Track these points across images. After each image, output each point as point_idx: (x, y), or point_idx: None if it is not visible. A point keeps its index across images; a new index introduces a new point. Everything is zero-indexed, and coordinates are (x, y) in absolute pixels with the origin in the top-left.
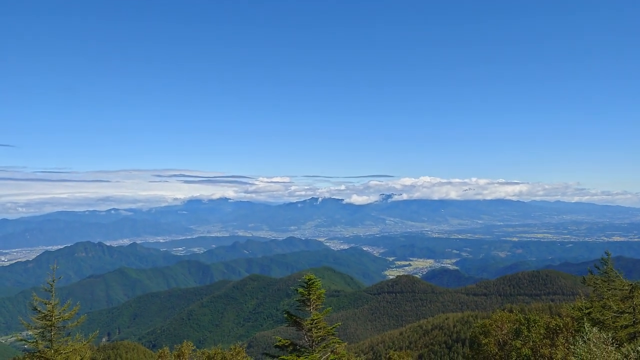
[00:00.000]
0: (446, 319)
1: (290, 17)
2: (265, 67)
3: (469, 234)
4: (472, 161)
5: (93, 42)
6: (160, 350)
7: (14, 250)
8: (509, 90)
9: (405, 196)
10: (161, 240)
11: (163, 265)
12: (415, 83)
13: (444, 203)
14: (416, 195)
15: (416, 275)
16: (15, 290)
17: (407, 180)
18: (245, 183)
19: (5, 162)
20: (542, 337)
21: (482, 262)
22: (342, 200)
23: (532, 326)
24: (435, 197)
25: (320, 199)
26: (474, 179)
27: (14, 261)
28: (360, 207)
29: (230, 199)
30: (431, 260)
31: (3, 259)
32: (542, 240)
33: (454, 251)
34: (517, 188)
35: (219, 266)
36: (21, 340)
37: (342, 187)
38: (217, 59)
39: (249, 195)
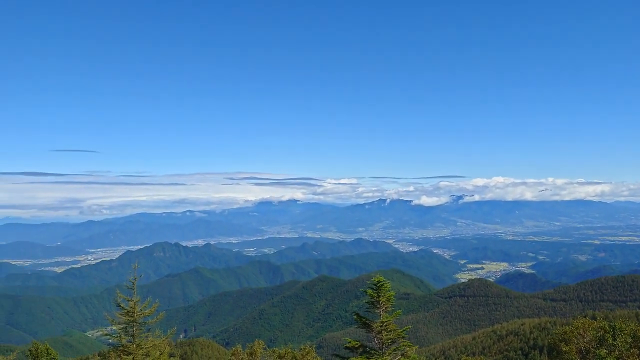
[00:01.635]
0: (522, 325)
1: (359, 17)
2: (335, 69)
3: (546, 237)
4: (548, 160)
5: (171, 46)
6: (233, 348)
7: (99, 249)
8: (588, 84)
9: (477, 197)
10: (233, 241)
11: (235, 265)
12: (485, 80)
13: (518, 204)
14: (489, 196)
15: (489, 279)
16: (100, 288)
17: (479, 181)
18: (313, 185)
19: (91, 167)
20: (629, 346)
21: (561, 266)
22: (411, 201)
23: (618, 334)
24: (509, 198)
25: (388, 201)
26: (550, 179)
27: (99, 260)
28: (429, 209)
29: (299, 200)
30: (505, 264)
31: (90, 258)
32: (627, 243)
33: (530, 254)
34: (598, 188)
35: (288, 267)
36: (106, 334)
37: (411, 189)
38: (284, 61)
39: (317, 197)
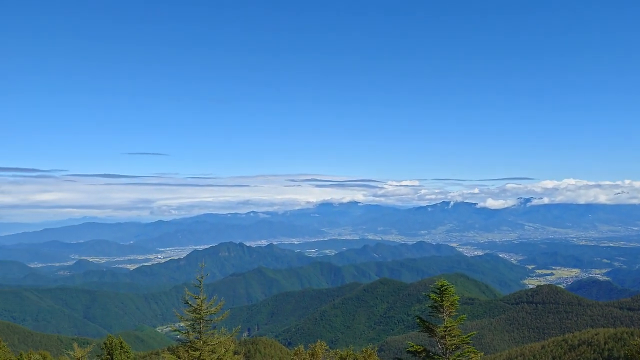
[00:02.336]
0: (596, 334)
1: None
2: (396, 71)
3: (622, 242)
4: (624, 161)
5: (236, 51)
6: (295, 348)
7: (168, 248)
8: None
9: (546, 200)
10: (295, 242)
11: (297, 266)
12: (554, 77)
13: (591, 208)
14: (559, 199)
15: (560, 285)
16: (169, 285)
17: (549, 183)
18: (374, 187)
19: (161, 169)
20: None
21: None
22: (476, 204)
23: None
24: (581, 201)
25: (451, 203)
26: (627, 181)
27: (168, 259)
28: (495, 212)
29: (359, 202)
30: (577, 270)
31: (159, 256)
32: None
33: (604, 260)
34: None
35: (349, 268)
36: (175, 330)
37: (476, 191)
38: (345, 64)
39: (377, 198)
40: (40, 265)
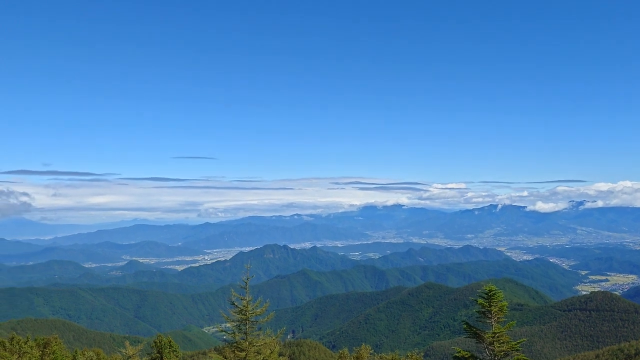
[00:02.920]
0: None
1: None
2: (444, 72)
3: None
4: None
5: (282, 58)
6: (340, 351)
7: (214, 250)
8: None
9: (600, 203)
10: (339, 245)
11: (341, 269)
12: (604, 73)
13: None
14: (614, 202)
15: (615, 292)
16: (215, 286)
17: (603, 186)
18: (419, 189)
19: (209, 172)
20: None
21: None
22: (525, 207)
23: None
24: (639, 204)
25: (499, 206)
26: None
27: (215, 260)
28: (545, 215)
29: (404, 205)
30: (634, 276)
31: (206, 258)
32: None
33: None
34: None
35: (393, 272)
36: (221, 331)
37: (525, 194)
38: (390, 66)
39: (422, 201)
40: (94, 265)
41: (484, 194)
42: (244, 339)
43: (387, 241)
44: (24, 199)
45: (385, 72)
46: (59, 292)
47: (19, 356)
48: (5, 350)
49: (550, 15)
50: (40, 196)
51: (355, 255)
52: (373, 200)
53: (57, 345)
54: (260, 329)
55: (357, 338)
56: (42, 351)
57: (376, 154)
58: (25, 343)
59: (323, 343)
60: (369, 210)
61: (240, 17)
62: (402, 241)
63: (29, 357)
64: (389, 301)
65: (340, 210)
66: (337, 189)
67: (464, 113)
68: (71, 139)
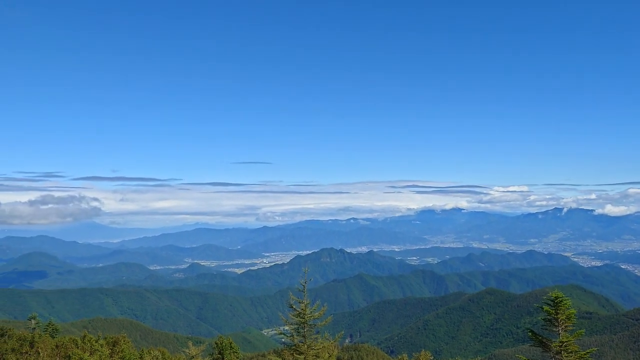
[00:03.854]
0: None
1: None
2: (507, 70)
3: None
4: None
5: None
6: (399, 357)
7: (272, 253)
8: None
9: None
10: (396, 249)
11: (398, 274)
12: None
13: None
14: None
15: None
16: (274, 289)
17: None
18: (479, 193)
19: (266, 177)
20: None
21: None
22: (593, 210)
23: None
24: None
25: (565, 210)
26: None
27: (273, 263)
28: (616, 219)
29: (463, 209)
30: None
31: (265, 261)
32: None
33: None
34: None
35: (453, 277)
36: (280, 333)
37: (593, 196)
38: (454, 68)
39: (483, 205)
40: (158, 267)
41: (548, 197)
42: (302, 342)
43: (446, 246)
44: (95, 204)
45: (439, 70)
46: (127, 293)
47: (90, 354)
48: (78, 347)
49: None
50: (109, 201)
51: (413, 260)
52: (431, 204)
53: (125, 344)
54: (318, 332)
55: (416, 344)
56: (111, 349)
57: (434, 157)
58: (96, 341)
59: (381, 348)
60: (427, 214)
61: (291, 28)
62: (461, 246)
63: (100, 354)
64: (448, 307)
65: (397, 214)
66: (394, 192)
67: (525, 112)
68: (137, 147)
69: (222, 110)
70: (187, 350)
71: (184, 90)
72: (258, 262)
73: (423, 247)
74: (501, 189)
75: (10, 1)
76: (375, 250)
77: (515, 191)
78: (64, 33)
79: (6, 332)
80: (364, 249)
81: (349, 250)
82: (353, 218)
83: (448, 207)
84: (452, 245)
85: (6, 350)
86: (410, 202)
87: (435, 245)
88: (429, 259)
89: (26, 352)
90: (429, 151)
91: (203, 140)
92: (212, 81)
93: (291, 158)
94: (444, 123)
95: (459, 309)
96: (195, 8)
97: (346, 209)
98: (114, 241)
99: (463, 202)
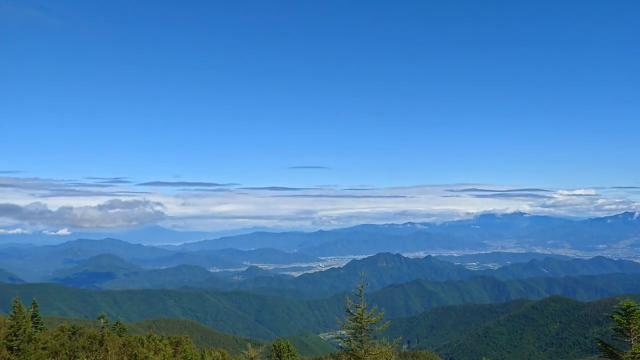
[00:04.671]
0: None
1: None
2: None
3: None
4: None
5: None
6: None
7: (328, 257)
8: None
9: None
10: (454, 254)
11: (457, 279)
12: None
13: None
14: None
15: None
16: (330, 293)
17: None
18: (542, 196)
19: (322, 181)
20: None
21: None
22: None
23: None
24: None
25: (636, 214)
26: None
27: (329, 267)
28: None
29: (525, 213)
30: None
31: (321, 265)
32: None
33: None
34: None
35: (515, 284)
36: (337, 338)
37: None
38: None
39: (546, 209)
40: (218, 270)
41: (617, 200)
42: (359, 347)
43: (507, 251)
44: (158, 208)
45: (504, 72)
46: (188, 294)
47: (155, 353)
48: (143, 346)
49: None
50: (172, 205)
51: (473, 266)
52: (491, 208)
53: (187, 344)
54: (375, 337)
55: (476, 352)
56: (174, 349)
57: (494, 159)
58: (160, 341)
59: (440, 355)
60: (486, 218)
61: (346, 39)
62: (523, 251)
63: (163, 354)
64: (510, 314)
65: (455, 219)
66: (452, 196)
67: (593, 111)
68: (198, 153)
69: (279, 117)
70: (246, 352)
71: (242, 99)
72: (314, 265)
73: (483, 252)
74: (566, 192)
75: (84, 15)
76: (433, 255)
77: (581, 195)
78: (134, 49)
79: (77, 330)
80: (421, 254)
81: (405, 255)
82: (410, 222)
83: (509, 211)
84: (513, 251)
85: (77, 348)
86: (470, 206)
87: (495, 250)
88: (489, 265)
89: (96, 350)
90: (489, 154)
91: (261, 146)
92: (270, 90)
93: (347, 162)
94: (504, 124)
95: (521, 317)
96: (256, 24)
97: (403, 213)
98: (176, 244)
99: (525, 206)
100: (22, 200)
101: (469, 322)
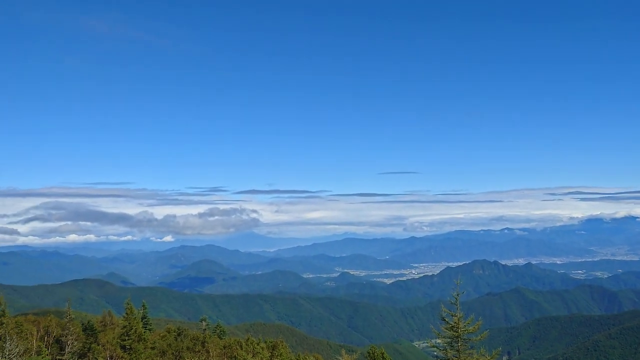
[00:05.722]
0: None
1: None
2: None
3: None
4: None
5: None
6: None
7: (421, 264)
8: None
9: None
10: (557, 262)
11: (561, 288)
12: None
13: None
14: None
15: None
16: (424, 301)
17: None
18: None
19: (413, 187)
20: None
21: None
22: None
23: None
24: None
25: None
26: None
27: (422, 274)
28: None
29: (638, 217)
30: None
31: (413, 272)
32: None
33: None
34: None
35: (627, 294)
36: (433, 347)
37: None
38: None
39: None
40: (311, 275)
41: None
42: (456, 357)
43: (618, 258)
44: (254, 215)
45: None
46: (283, 299)
47: (253, 355)
48: (242, 349)
49: None
50: (266, 212)
51: (578, 274)
52: (598, 212)
53: (283, 348)
54: (472, 347)
55: None
56: (271, 353)
57: (600, 159)
58: (258, 344)
59: None
60: (593, 223)
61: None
62: (637, 259)
63: (261, 357)
64: (623, 327)
65: (558, 224)
66: (554, 200)
67: None
68: (290, 162)
69: (367, 123)
70: (340, 358)
71: (331, 107)
72: (407, 272)
73: (589, 259)
74: None
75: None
76: (533, 262)
77: None
78: (227, 66)
79: (182, 331)
80: (520, 261)
81: (503, 263)
82: (507, 228)
83: (619, 215)
84: (625, 258)
85: (182, 348)
86: (574, 211)
87: (604, 257)
88: (598, 273)
89: (198, 351)
90: (594, 154)
91: (351, 152)
92: (357, 97)
93: (439, 167)
94: (612, 120)
95: (636, 330)
96: (357, 29)
97: (499, 219)
98: (271, 250)
99: (638, 210)
100: (132, 209)
101: (575, 335)
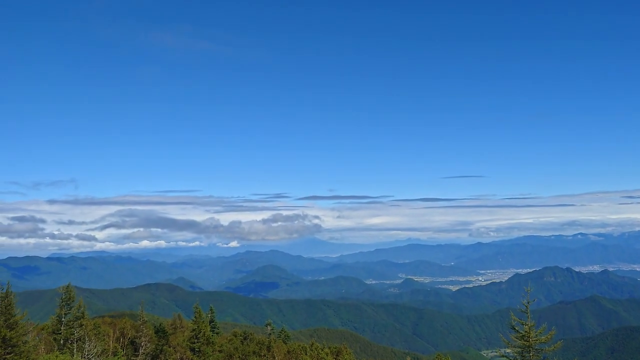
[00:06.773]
0: None
1: None
2: None
3: None
4: None
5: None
6: None
7: (488, 271)
8: None
9: None
10: (637, 269)
11: None
12: None
13: None
14: None
15: None
16: (491, 308)
17: None
18: None
19: (478, 191)
20: None
21: None
22: None
23: None
24: None
25: None
26: None
27: (489, 281)
28: None
29: None
30: None
31: (480, 279)
32: None
33: None
34: None
35: None
36: (502, 356)
37: None
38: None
39: None
40: (373, 282)
41: None
42: None
43: None
44: (316, 221)
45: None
46: (346, 305)
47: None
48: (306, 354)
49: None
50: (328, 218)
51: None
52: None
53: (347, 354)
54: (545, 358)
55: None
56: (335, 358)
57: None
58: (322, 350)
59: None
60: None
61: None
62: None
63: None
64: None
65: (637, 229)
66: (632, 203)
67: None
68: (351, 167)
69: (429, 125)
70: None
71: (392, 110)
72: (473, 279)
73: None
74: None
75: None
76: (610, 269)
77: None
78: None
79: (248, 335)
80: (596, 268)
81: (577, 269)
82: (581, 233)
83: None
84: None
85: (249, 352)
86: None
87: None
88: None
89: (264, 355)
90: None
91: (413, 156)
92: (419, 99)
93: (505, 170)
94: None
95: None
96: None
97: (572, 223)
98: (333, 256)
99: None
100: (199, 216)
101: None
